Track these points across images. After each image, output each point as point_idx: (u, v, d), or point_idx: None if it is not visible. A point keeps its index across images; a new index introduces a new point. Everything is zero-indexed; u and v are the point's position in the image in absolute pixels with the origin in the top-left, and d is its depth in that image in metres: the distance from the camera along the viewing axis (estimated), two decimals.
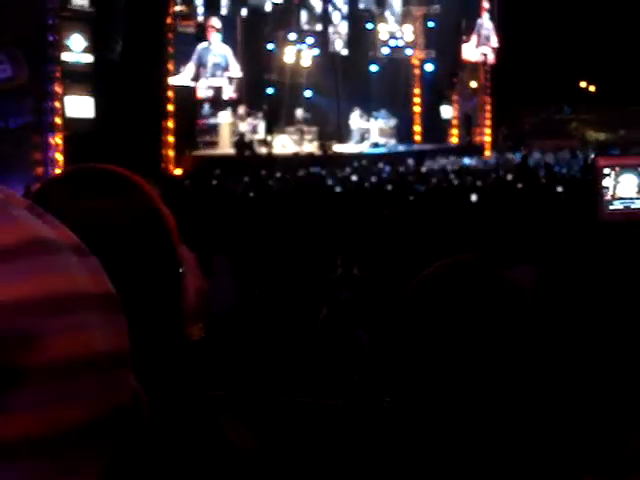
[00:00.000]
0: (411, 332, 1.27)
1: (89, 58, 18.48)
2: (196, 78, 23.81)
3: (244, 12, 25.25)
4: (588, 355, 1.44)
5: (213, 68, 24.29)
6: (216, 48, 24.39)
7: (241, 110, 24.26)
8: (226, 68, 24.65)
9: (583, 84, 34.89)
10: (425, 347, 1.24)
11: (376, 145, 26.86)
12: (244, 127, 23.67)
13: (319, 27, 28.05)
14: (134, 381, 0.68)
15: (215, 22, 24.22)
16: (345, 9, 28.84)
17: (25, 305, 0.57)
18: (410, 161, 23.93)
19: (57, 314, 0.58)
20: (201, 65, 24.04)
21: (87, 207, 1.10)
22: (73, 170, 1.18)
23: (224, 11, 24.78)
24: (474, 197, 13.65)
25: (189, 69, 23.50)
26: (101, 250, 1.02)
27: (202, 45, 24.02)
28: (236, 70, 24.96)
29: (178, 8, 21.99)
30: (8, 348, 0.56)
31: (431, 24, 29.50)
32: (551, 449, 1.25)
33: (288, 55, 26.55)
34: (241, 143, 22.36)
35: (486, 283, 1.26)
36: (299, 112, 25.94)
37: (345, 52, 28.93)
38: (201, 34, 23.72)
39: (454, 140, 30.57)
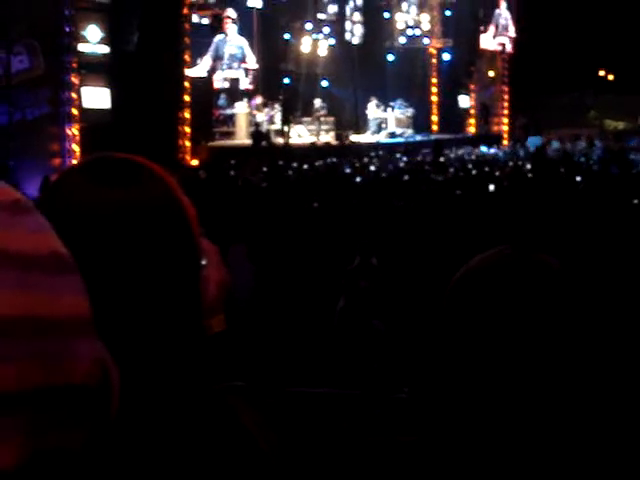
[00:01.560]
0: (457, 323, 1.25)
1: (105, 49, 18.50)
2: (212, 70, 23.82)
3: (260, 2, 25.18)
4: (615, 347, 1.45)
5: (229, 59, 24.28)
6: (232, 39, 24.37)
7: (258, 100, 24.24)
8: (242, 59, 24.64)
9: (602, 73, 34.65)
10: (471, 338, 1.23)
11: (393, 135, 26.78)
12: (261, 117, 23.65)
13: (335, 17, 27.96)
14: (94, 353, 0.63)
15: (231, 13, 24.19)
16: None
17: None
18: (427, 151, 23.85)
19: None
20: (217, 57, 24.05)
21: (107, 196, 1.08)
22: (92, 159, 1.15)
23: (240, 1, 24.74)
24: (492, 187, 13.59)
25: (206, 61, 23.52)
26: (120, 239, 1.06)
27: (219, 37, 24.03)
28: (252, 61, 24.95)
29: None
30: None
31: (448, 13, 29.38)
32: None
33: (304, 45, 26.50)
34: (257, 134, 22.33)
35: (532, 276, 1.25)
36: (316, 102, 25.88)
37: (362, 41, 28.84)
38: (217, 25, 23.69)
39: (472, 130, 30.46)
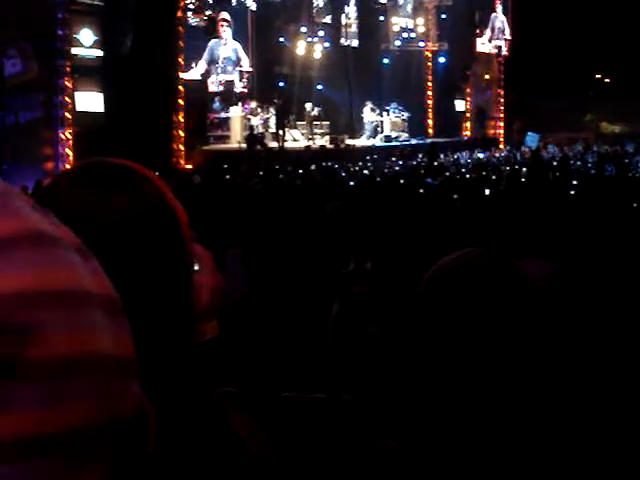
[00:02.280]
0: (426, 323, 1.27)
1: (99, 52, 18.49)
2: (207, 74, 23.81)
3: (254, 5, 25.16)
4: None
5: (224, 62, 24.27)
6: (227, 43, 24.37)
7: (252, 104, 24.21)
8: (237, 62, 24.63)
9: (598, 76, 34.68)
10: (440, 337, 1.25)
11: (389, 139, 26.74)
12: (255, 121, 23.61)
13: (330, 20, 27.94)
14: (139, 392, 0.66)
15: (226, 16, 24.17)
16: (355, 1, 28.76)
17: (25, 296, 0.55)
18: (423, 155, 23.81)
19: (58, 308, 0.57)
20: (212, 60, 24.07)
21: (99, 201, 1.09)
22: (85, 164, 1.16)
23: (235, 3, 24.70)
24: (487, 191, 13.57)
25: (201, 65, 23.53)
26: (112, 244, 1.05)
27: (213, 40, 24.03)
28: (247, 64, 24.95)
29: (188, 1, 21.91)
30: (6, 339, 0.54)
31: (444, 16, 29.40)
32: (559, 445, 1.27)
33: (299, 48, 26.48)
34: (252, 137, 22.27)
35: (502, 275, 1.27)
36: (310, 106, 25.85)
37: (357, 44, 28.83)
38: (211, 28, 23.65)
39: (467, 133, 30.46)
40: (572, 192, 13.25)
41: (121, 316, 0.65)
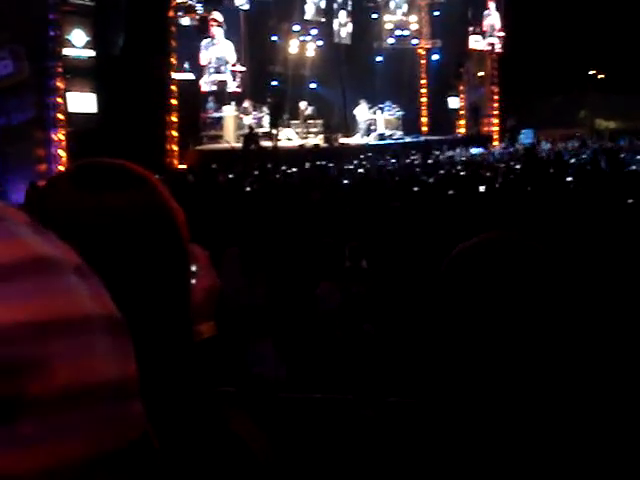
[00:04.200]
0: (450, 304, 1.28)
1: (91, 53, 18.39)
2: (200, 73, 23.78)
3: (247, 5, 25.10)
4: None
5: (217, 62, 24.23)
6: (219, 42, 24.31)
7: (246, 104, 24.16)
8: (230, 62, 24.60)
9: (592, 72, 34.67)
10: (466, 317, 1.26)
11: (382, 137, 26.68)
12: (248, 120, 23.56)
13: (323, 18, 27.88)
14: (141, 412, 0.64)
15: (217, 16, 24.11)
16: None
17: (25, 329, 0.53)
18: (417, 153, 23.76)
19: (60, 338, 0.55)
20: (205, 60, 24.04)
21: (95, 203, 1.08)
22: (80, 165, 1.15)
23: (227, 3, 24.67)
24: (482, 188, 13.53)
25: (193, 64, 23.48)
26: (109, 245, 1.05)
27: (206, 41, 23.97)
28: (239, 64, 24.94)
29: (180, 1, 21.84)
30: (9, 376, 0.52)
31: (436, 13, 29.36)
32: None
33: (292, 47, 26.43)
34: (250, 136, 22.18)
35: (528, 257, 1.28)
36: (304, 104, 25.79)
37: (350, 43, 28.77)
38: (203, 27, 23.58)
39: (461, 131, 30.41)
40: (568, 188, 13.23)
41: (124, 335, 0.62)
